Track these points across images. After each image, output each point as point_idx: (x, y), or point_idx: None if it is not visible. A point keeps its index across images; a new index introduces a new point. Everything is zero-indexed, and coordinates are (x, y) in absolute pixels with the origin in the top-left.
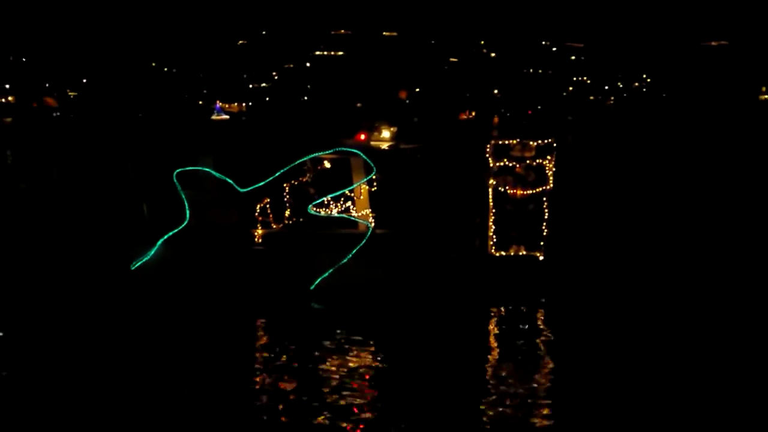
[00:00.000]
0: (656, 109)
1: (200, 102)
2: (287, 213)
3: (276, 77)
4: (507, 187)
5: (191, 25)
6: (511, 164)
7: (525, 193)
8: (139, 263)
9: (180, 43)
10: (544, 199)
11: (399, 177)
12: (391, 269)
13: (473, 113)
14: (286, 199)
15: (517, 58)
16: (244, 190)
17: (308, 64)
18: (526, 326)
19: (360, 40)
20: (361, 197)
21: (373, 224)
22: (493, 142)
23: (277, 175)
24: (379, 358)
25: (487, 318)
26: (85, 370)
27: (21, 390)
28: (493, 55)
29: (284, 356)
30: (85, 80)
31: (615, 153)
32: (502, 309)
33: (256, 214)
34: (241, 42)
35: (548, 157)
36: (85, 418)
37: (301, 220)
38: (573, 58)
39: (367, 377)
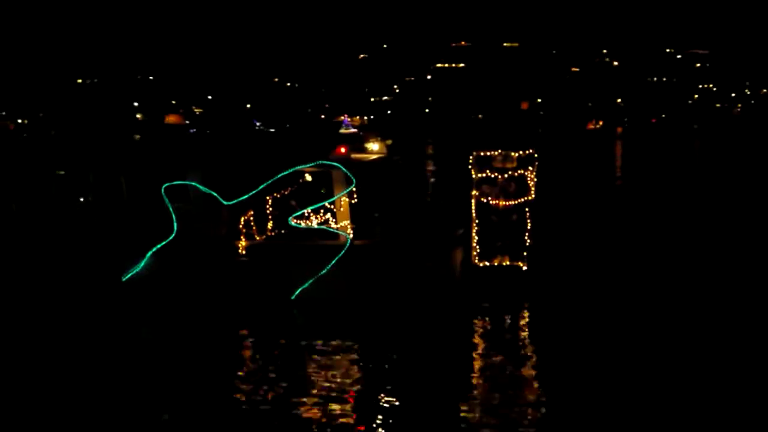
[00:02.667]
0: None
1: (322, 116)
2: (270, 225)
3: (397, 90)
4: (489, 198)
5: (313, 41)
6: (493, 175)
7: (507, 204)
8: (129, 275)
9: (302, 58)
10: (527, 209)
11: (381, 189)
12: (370, 280)
13: (600, 123)
14: (269, 212)
15: (640, 66)
16: (229, 203)
17: (429, 77)
18: (508, 337)
19: (481, 51)
20: (342, 209)
21: (352, 236)
22: (475, 153)
23: (261, 188)
24: (361, 365)
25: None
26: (74, 377)
27: (6, 397)
28: (615, 63)
29: (267, 364)
30: (210, 97)
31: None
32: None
33: (240, 226)
34: (362, 56)
35: (530, 168)
36: (71, 425)
37: (283, 231)
38: (698, 65)
39: (350, 382)
